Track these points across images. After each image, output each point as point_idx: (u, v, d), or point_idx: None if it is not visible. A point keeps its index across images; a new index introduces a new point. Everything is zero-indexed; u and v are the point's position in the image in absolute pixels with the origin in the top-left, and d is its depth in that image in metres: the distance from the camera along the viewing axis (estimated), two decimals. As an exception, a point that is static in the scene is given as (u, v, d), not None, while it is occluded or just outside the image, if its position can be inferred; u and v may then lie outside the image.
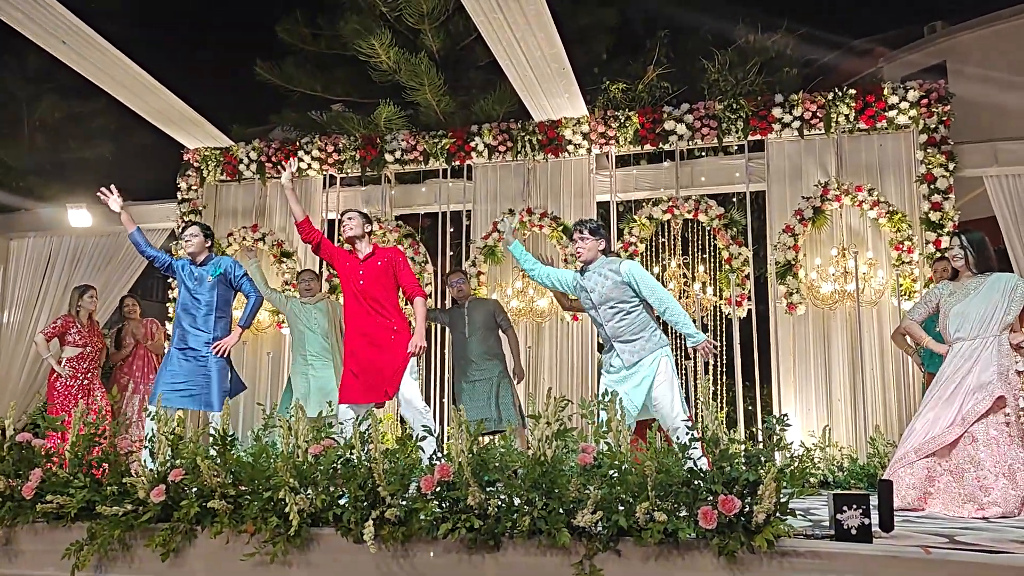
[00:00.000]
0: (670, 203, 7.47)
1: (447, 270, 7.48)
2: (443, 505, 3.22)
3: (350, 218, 5.20)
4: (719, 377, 7.92)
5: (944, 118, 6.96)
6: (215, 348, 5.30)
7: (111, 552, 3.48)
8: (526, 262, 4.94)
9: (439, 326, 7.82)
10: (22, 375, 9.09)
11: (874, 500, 3.11)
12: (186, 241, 5.51)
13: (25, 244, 9.48)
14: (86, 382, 6.82)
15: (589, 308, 4.70)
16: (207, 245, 5.55)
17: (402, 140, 8.19)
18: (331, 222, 8.58)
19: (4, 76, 11.79)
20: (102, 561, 3.49)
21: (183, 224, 5.64)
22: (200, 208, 8.65)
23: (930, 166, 6.88)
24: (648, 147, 7.75)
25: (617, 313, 4.56)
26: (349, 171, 8.46)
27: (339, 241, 5.49)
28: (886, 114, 7.09)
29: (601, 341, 4.80)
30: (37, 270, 9.34)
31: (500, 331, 6.40)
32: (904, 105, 7.02)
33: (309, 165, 8.44)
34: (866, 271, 6.97)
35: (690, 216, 7.61)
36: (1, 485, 3.68)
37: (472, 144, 8.00)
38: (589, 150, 7.82)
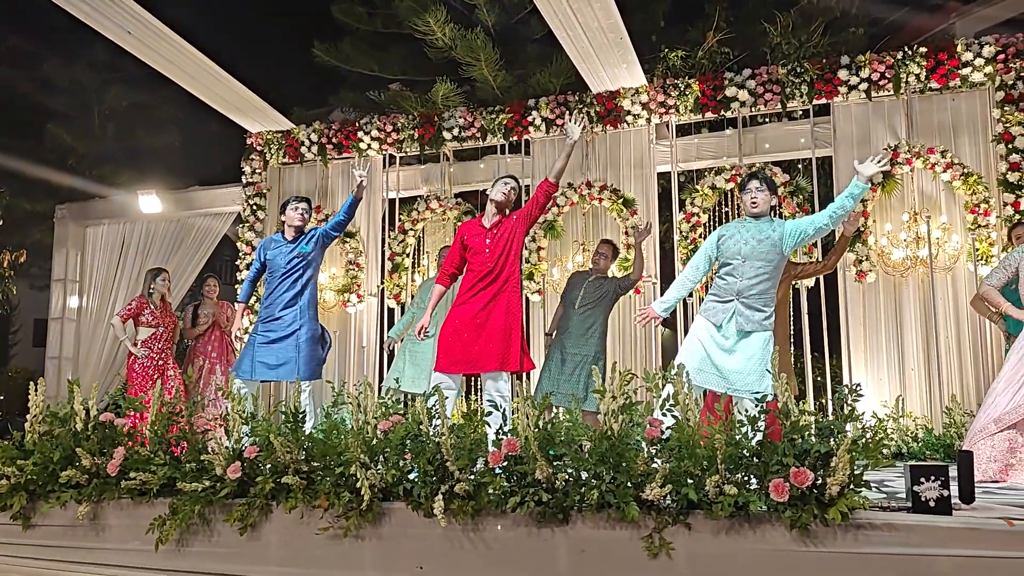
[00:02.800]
0: (733, 172, 7.33)
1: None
2: (511, 479, 3.24)
3: (513, 189, 4.90)
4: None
5: (1023, 73, 6.64)
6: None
7: (192, 527, 3.60)
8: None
9: None
10: (102, 357, 9.47)
11: (953, 472, 3.02)
12: (296, 212, 5.47)
13: (100, 231, 9.85)
14: (161, 362, 7.05)
15: (731, 257, 4.50)
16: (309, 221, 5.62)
17: (460, 117, 8.19)
18: (391, 202, 8.67)
19: (74, 67, 12.14)
20: (183, 535, 3.62)
21: (291, 197, 5.64)
22: (264, 191, 8.82)
23: (1008, 124, 6.59)
24: (709, 115, 7.60)
25: (759, 274, 4.42)
26: (408, 150, 8.52)
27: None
28: (959, 72, 6.80)
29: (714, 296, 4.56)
30: (112, 256, 9.71)
31: (621, 295, 6.35)
32: (979, 62, 6.73)
33: (369, 145, 8.51)
34: (940, 236, 6.74)
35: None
36: (87, 463, 3.83)
37: (529, 118, 7.96)
38: (648, 120, 7.71)
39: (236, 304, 5.70)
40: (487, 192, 5.01)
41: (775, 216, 5.25)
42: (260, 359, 5.25)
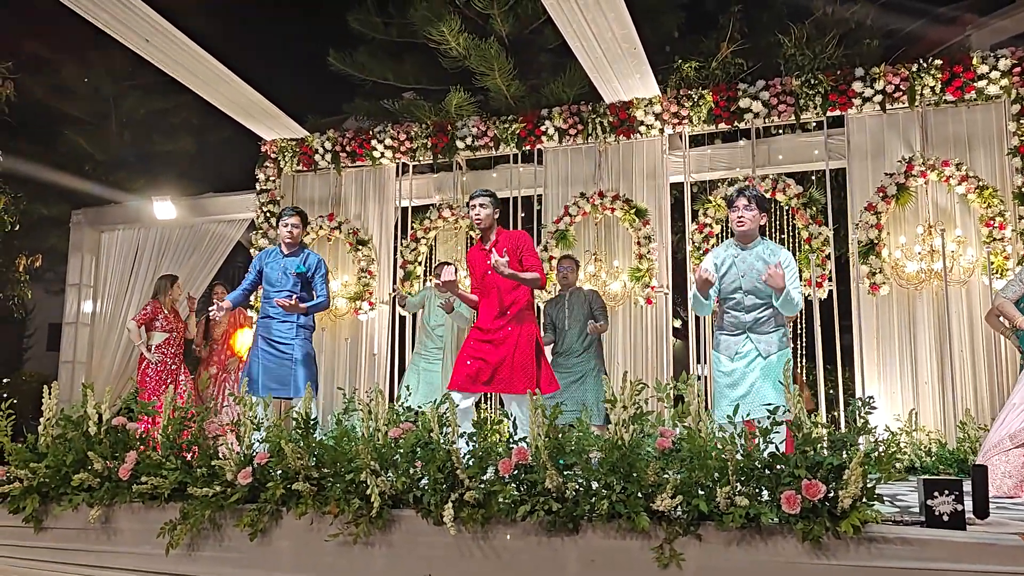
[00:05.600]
0: (746, 183, 7.31)
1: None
2: (521, 488, 3.24)
3: (482, 206, 4.79)
4: (799, 360, 7.74)
5: (1039, 87, 6.62)
6: (281, 304, 5.23)
7: (202, 531, 3.61)
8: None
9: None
10: (115, 361, 9.51)
11: (967, 486, 3.00)
12: (286, 228, 5.54)
13: (115, 236, 9.92)
14: (174, 367, 7.10)
15: (732, 292, 4.32)
16: (304, 234, 5.64)
17: (473, 126, 8.22)
18: (404, 210, 8.70)
19: (92, 74, 12.25)
20: (194, 540, 3.62)
21: (284, 210, 5.67)
22: (278, 198, 8.87)
23: (1024, 137, 6.56)
24: (723, 126, 7.60)
25: (764, 303, 4.25)
26: (421, 158, 8.54)
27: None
28: (975, 84, 6.77)
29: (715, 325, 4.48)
30: (126, 261, 9.77)
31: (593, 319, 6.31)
32: (995, 74, 6.70)
33: (382, 154, 8.55)
34: (954, 249, 6.70)
35: (767, 196, 7.44)
36: (99, 466, 3.85)
37: (543, 128, 7.97)
38: (662, 130, 7.71)
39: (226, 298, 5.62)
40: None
41: (770, 231, 5.08)
42: (266, 382, 5.37)
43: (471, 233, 8.10)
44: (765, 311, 4.29)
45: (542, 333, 6.06)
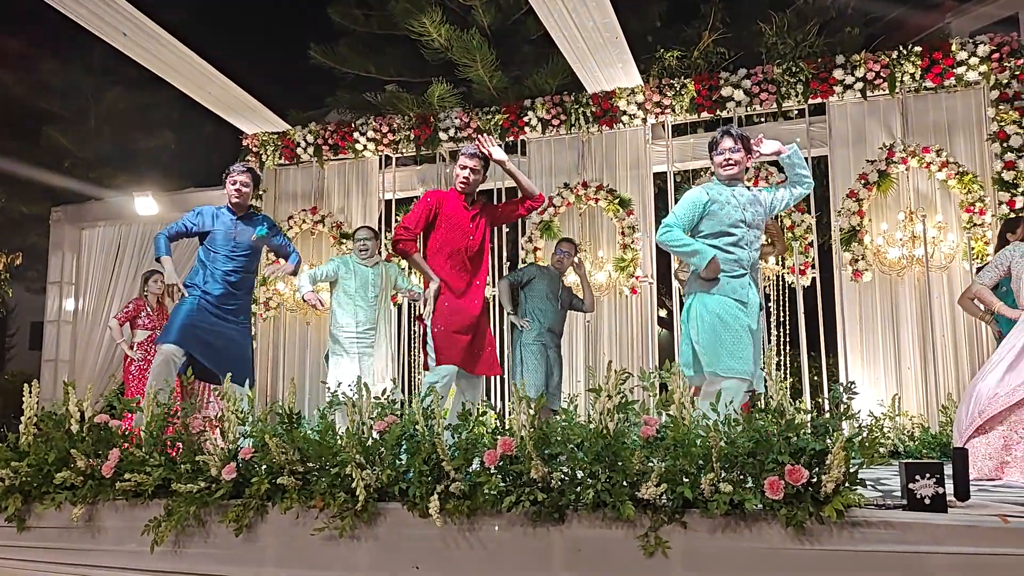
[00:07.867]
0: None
1: (502, 247, 7.46)
2: (507, 479, 3.24)
3: (474, 171, 4.46)
4: (783, 347, 7.78)
5: (1017, 72, 6.65)
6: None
7: (187, 528, 3.58)
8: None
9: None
10: (98, 359, 9.45)
11: (948, 469, 3.02)
12: (234, 186, 4.95)
13: (96, 233, 9.83)
14: (158, 364, 7.05)
15: (732, 226, 3.94)
16: (253, 197, 5.16)
17: (456, 118, 8.20)
18: (388, 202, 8.66)
19: (70, 70, 12.14)
20: (179, 537, 3.60)
21: (231, 168, 5.05)
22: (260, 192, 8.81)
23: (1003, 123, 6.60)
24: (705, 115, 7.61)
25: (758, 243, 3.99)
26: (404, 151, 8.52)
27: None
28: (954, 71, 6.81)
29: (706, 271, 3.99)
30: (108, 258, 9.70)
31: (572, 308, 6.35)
32: (973, 61, 6.74)
33: (365, 146, 8.51)
34: (935, 235, 6.74)
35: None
36: (82, 464, 3.82)
37: (525, 119, 7.96)
38: (644, 120, 7.72)
39: (161, 258, 4.94)
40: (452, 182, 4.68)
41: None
42: (212, 359, 4.82)
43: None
44: (757, 254, 4.04)
45: (509, 305, 6.07)
